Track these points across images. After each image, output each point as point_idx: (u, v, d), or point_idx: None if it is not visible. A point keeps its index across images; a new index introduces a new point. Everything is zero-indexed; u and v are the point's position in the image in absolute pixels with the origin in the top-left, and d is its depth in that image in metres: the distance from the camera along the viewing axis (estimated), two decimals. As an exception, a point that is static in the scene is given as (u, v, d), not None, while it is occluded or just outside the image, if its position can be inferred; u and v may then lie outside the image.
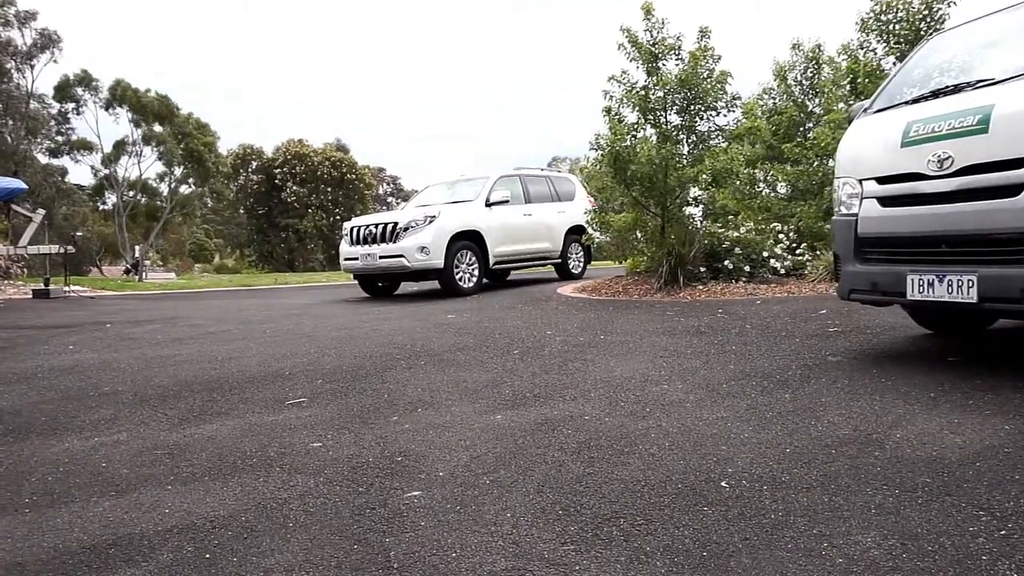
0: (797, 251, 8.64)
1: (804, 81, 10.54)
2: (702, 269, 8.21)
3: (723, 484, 2.55)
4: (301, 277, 20.27)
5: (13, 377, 5.16)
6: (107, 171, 34.65)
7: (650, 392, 3.89)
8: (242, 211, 37.18)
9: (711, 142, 8.34)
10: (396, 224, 9.69)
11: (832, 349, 4.56)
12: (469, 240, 9.97)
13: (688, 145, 8.50)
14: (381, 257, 9.70)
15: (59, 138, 33.66)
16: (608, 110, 8.78)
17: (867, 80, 7.66)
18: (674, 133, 8.45)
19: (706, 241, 8.35)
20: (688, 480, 2.61)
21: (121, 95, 33.48)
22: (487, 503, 2.53)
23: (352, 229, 10.30)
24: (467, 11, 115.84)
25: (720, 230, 8.83)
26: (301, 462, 3.10)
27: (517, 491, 2.63)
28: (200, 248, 56.84)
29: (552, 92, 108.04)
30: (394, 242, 9.63)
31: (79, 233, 20.15)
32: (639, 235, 8.92)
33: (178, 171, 36.44)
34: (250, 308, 9.83)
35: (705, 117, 8.34)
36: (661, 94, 8.57)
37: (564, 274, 11.91)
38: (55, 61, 30.30)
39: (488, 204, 10.39)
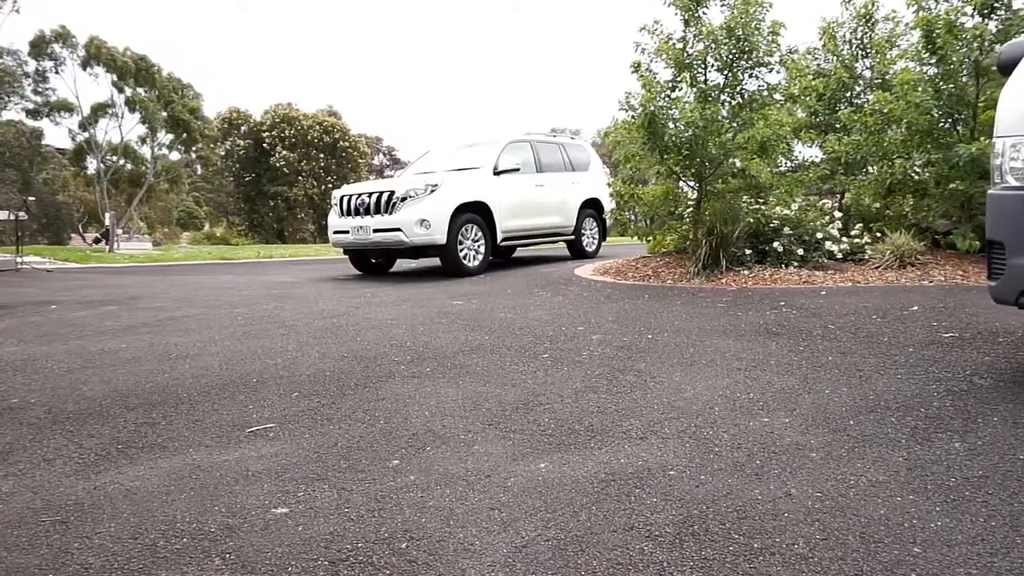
0: (852, 233, 7.55)
1: (853, 40, 9.36)
2: (747, 252, 7.12)
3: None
4: (287, 249, 18.98)
5: (-93, 378, 4.05)
6: (86, 134, 33.02)
7: (749, 429, 2.82)
8: (230, 177, 35.64)
9: (759, 103, 7.20)
10: (392, 193, 8.50)
11: (971, 366, 3.48)
12: (475, 213, 8.82)
13: (732, 107, 7.35)
14: (375, 231, 8.53)
15: (37, 98, 31.98)
16: (637, 65, 7.60)
17: (948, 34, 6.51)
18: (716, 93, 7.30)
19: (751, 220, 7.24)
20: (895, 627, 1.54)
21: (96, 53, 31.73)
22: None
23: (342, 198, 9.11)
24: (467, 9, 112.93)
25: (762, 206, 7.73)
26: (256, 547, 2.04)
27: (603, 634, 1.57)
28: (190, 216, 55.21)
29: (552, 75, 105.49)
30: (390, 214, 8.46)
31: (31, 198, 18.75)
32: (672, 211, 7.81)
33: (162, 135, 34.83)
34: (225, 286, 8.69)
35: (754, 74, 7.19)
36: (701, 46, 7.41)
37: (577, 252, 10.79)
38: (17, 11, 28.32)
39: (496, 172, 9.21)
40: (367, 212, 8.68)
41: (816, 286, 6.22)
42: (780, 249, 7.06)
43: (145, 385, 3.81)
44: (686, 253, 8.14)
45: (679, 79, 7.27)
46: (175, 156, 38.38)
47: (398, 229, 8.32)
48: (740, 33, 6.94)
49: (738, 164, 7.10)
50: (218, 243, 40.92)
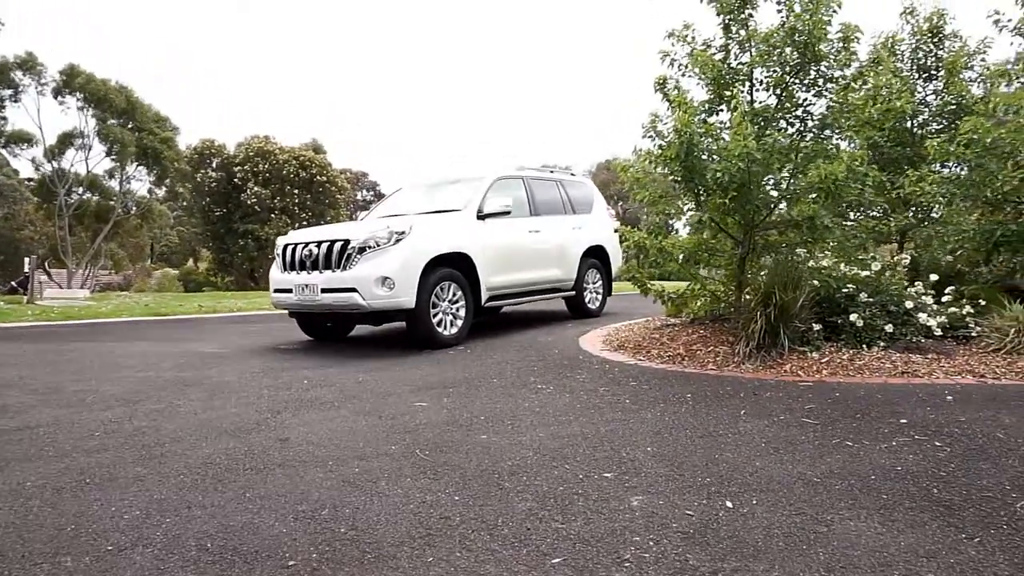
0: (943, 299, 5.80)
1: (915, 61, 7.77)
2: (815, 326, 5.33)
3: None
4: (237, 301, 16.38)
5: None
6: (52, 166, 31.02)
7: None
8: (196, 214, 33.57)
9: (830, 130, 5.49)
10: (347, 243, 6.64)
11: None
12: (453, 267, 6.98)
13: (791, 136, 5.64)
14: (324, 291, 6.64)
15: (-6, 128, 30.00)
16: (663, 81, 5.94)
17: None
18: (769, 115, 5.60)
19: (816, 282, 5.47)
20: None
21: (76, 82, 29.90)
22: None
23: (285, 248, 7.22)
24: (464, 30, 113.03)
25: (823, 265, 5.98)
26: None
27: None
28: (172, 252, 52.92)
29: (544, 110, 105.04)
30: (343, 269, 6.59)
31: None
32: (703, 269, 6.06)
33: (131, 168, 32.86)
34: (126, 362, 6.73)
35: (822, 92, 5.48)
36: (747, 58, 5.73)
37: (578, 310, 8.98)
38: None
39: (481, 216, 7.42)
40: (315, 266, 6.81)
41: (926, 382, 4.42)
42: (860, 324, 5.27)
43: None
44: (723, 320, 6.36)
45: (725, 98, 5.56)
46: (159, 191, 36.37)
47: (352, 289, 6.44)
48: (803, 38, 5.25)
49: (801, 211, 5.34)
50: (194, 282, 38.73)
